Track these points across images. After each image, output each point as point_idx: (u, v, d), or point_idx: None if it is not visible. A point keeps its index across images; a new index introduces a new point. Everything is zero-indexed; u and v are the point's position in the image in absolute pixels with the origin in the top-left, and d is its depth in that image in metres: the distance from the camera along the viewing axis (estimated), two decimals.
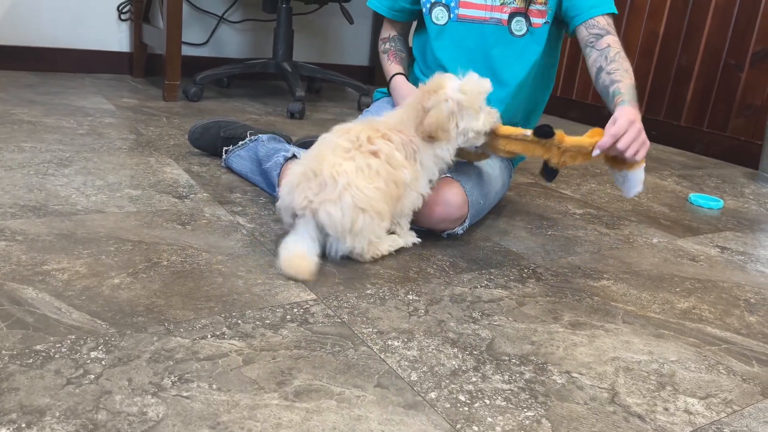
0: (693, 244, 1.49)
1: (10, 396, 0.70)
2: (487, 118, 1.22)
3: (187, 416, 0.71)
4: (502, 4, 1.38)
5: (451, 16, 1.42)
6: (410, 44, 1.58)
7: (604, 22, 1.36)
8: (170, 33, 2.40)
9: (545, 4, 1.38)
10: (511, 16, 1.39)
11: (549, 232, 1.46)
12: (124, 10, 2.85)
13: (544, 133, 1.18)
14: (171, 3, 2.37)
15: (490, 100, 1.43)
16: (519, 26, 1.39)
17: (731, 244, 1.52)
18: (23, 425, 0.66)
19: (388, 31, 1.56)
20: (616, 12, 1.38)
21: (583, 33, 1.37)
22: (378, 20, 3.51)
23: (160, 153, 1.73)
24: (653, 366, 0.93)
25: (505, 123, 1.27)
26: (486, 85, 1.22)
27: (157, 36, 2.58)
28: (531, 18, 1.38)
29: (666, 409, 0.83)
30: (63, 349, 0.80)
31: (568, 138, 1.18)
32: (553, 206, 1.68)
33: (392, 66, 1.50)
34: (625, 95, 1.24)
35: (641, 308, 1.12)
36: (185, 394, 0.75)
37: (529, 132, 1.20)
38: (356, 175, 1.10)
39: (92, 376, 0.76)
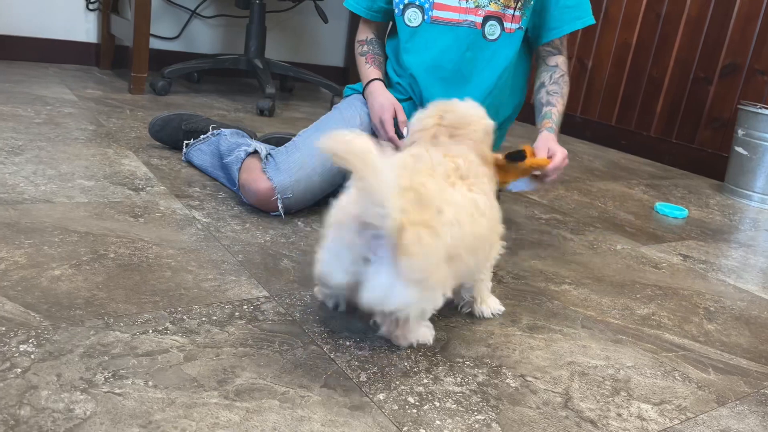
0: (656, 252, 1.49)
1: None
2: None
3: (117, 414, 0.67)
4: (476, 6, 1.37)
5: (425, 17, 1.40)
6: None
7: (558, 42, 1.45)
8: (138, 24, 2.35)
9: (521, 9, 1.36)
10: (485, 19, 1.37)
11: (513, 236, 1.45)
12: (92, 0, 2.78)
13: (517, 157, 1.18)
14: None
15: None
16: (492, 30, 1.38)
17: (694, 253, 1.52)
18: None
19: (365, 33, 1.53)
20: (589, 23, 1.43)
21: (540, 49, 1.47)
22: (353, 21, 3.48)
23: (119, 145, 1.68)
24: (609, 371, 0.92)
25: None
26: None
27: (126, 27, 2.52)
28: (504, 23, 1.37)
29: (619, 415, 0.81)
30: None
31: (531, 159, 1.22)
32: (519, 210, 1.67)
33: (370, 70, 1.47)
34: (553, 123, 1.37)
35: (601, 313, 1.11)
36: (118, 390, 0.71)
37: (500, 156, 1.14)
38: (463, 211, 0.85)
39: (19, 370, 0.71)
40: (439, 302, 0.83)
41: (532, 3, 1.37)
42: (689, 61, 2.63)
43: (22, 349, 0.75)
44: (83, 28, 2.81)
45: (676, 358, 0.99)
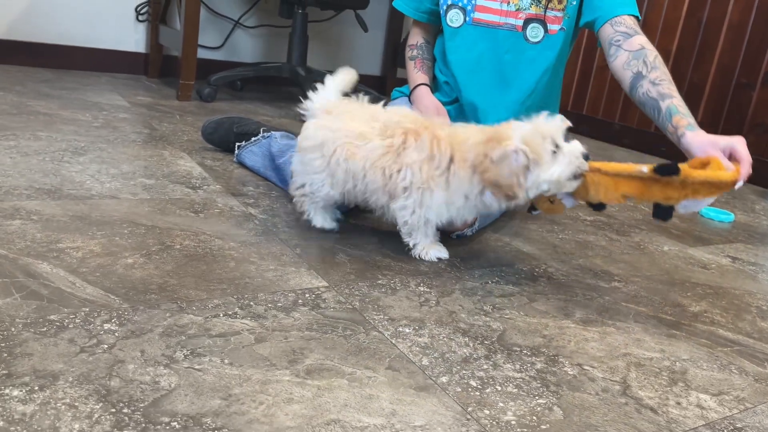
0: (704, 253, 1.49)
1: (23, 360, 0.71)
2: (564, 165, 1.04)
3: (200, 387, 0.71)
4: (517, 9, 1.39)
5: (467, 19, 1.42)
6: None
7: (632, 22, 1.29)
8: (187, 34, 2.43)
9: (563, 10, 1.38)
10: (527, 22, 1.39)
11: (560, 236, 1.46)
12: (142, 12, 2.88)
13: (669, 170, 1.01)
14: (189, 5, 2.40)
15: (497, 105, 1.44)
16: (535, 33, 1.39)
17: (742, 255, 1.52)
18: (36, 387, 0.66)
19: (416, 38, 1.56)
20: (639, 16, 1.34)
21: (608, 31, 1.30)
22: (391, 30, 3.54)
23: (173, 147, 1.74)
24: (665, 363, 0.93)
25: None
26: (555, 123, 1.06)
27: (174, 37, 2.61)
28: (548, 24, 1.39)
29: (678, 403, 0.82)
30: (77, 320, 0.80)
31: (696, 171, 1.03)
32: (563, 213, 1.68)
33: (418, 75, 1.50)
34: (687, 116, 1.17)
35: (653, 310, 1.11)
36: (197, 366, 0.74)
37: (645, 168, 1.03)
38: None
39: (105, 346, 0.76)
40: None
41: (576, 3, 1.38)
42: (731, 67, 2.61)
43: (106, 328, 0.80)
44: (133, 38, 2.91)
45: (732, 352, 0.99)
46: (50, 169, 1.39)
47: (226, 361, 0.77)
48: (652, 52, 1.25)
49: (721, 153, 1.08)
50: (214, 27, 3.07)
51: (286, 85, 3.33)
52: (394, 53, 3.54)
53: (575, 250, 1.38)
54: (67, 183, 1.31)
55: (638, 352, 0.95)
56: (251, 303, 0.92)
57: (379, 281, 1.06)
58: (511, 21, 1.39)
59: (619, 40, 1.29)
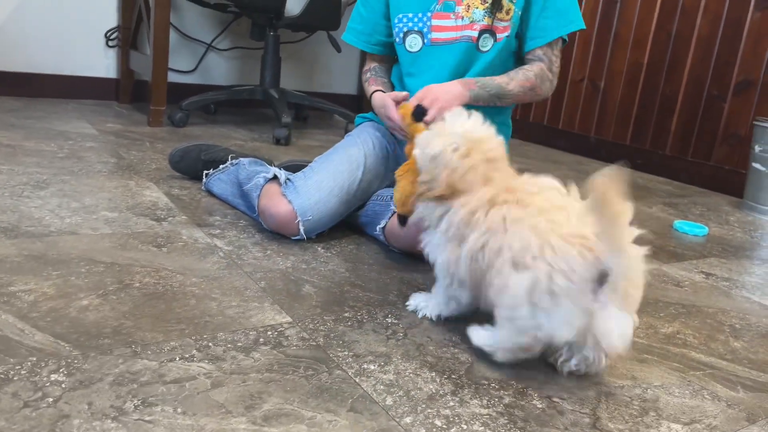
0: (678, 270, 1.48)
1: None
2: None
3: None
4: (471, 22, 1.39)
5: (425, 41, 1.42)
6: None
7: (540, 52, 1.41)
8: (157, 59, 2.40)
9: (510, 20, 1.38)
10: (480, 33, 1.39)
11: None
12: (111, 37, 2.85)
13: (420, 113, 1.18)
14: (157, 29, 2.38)
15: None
16: (485, 43, 1.40)
17: (716, 270, 1.51)
18: None
19: (369, 64, 1.56)
20: (581, 27, 1.41)
21: (525, 60, 1.44)
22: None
23: (140, 176, 1.71)
24: (636, 391, 0.91)
25: None
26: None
27: (144, 62, 2.58)
28: (497, 34, 1.39)
29: None
30: (22, 372, 0.77)
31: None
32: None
33: (372, 87, 1.48)
34: (475, 78, 1.37)
35: None
36: (148, 418, 0.71)
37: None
38: None
39: (51, 399, 0.72)
40: None
41: (519, 12, 1.38)
42: (702, 78, 2.63)
43: (53, 379, 0.76)
44: (103, 64, 2.88)
45: (704, 376, 0.98)
46: (8, 205, 1.35)
47: (179, 410, 0.73)
48: (526, 68, 1.40)
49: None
50: (186, 50, 3.05)
51: (259, 108, 3.31)
52: None
53: None
54: (24, 220, 1.27)
55: (609, 380, 0.93)
56: (210, 344, 0.89)
57: (346, 314, 1.04)
58: (467, 33, 1.39)
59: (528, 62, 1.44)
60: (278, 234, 1.35)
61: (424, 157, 1.00)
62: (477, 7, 1.37)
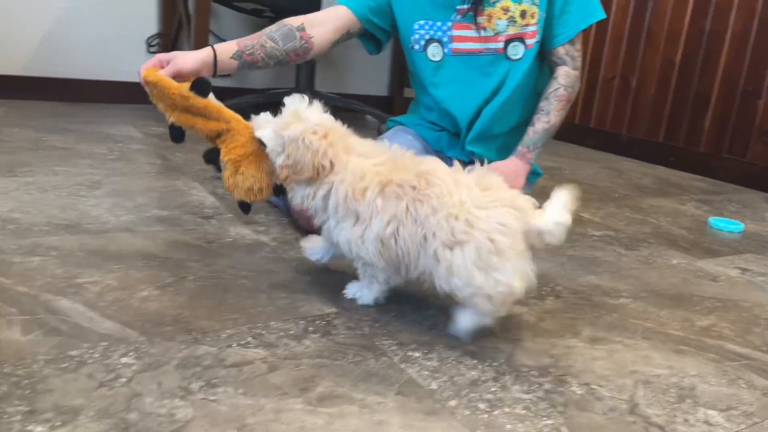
0: (713, 265, 1.49)
1: (45, 397, 0.73)
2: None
3: (215, 418, 0.73)
4: (495, 34, 1.41)
5: (446, 51, 1.45)
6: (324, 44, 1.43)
7: (562, 51, 1.44)
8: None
9: (536, 24, 1.40)
10: (507, 43, 1.42)
11: (568, 253, 1.47)
12: (152, 43, 2.95)
13: (205, 88, 1.09)
14: (198, 36, 2.46)
15: (482, 116, 1.46)
16: (515, 50, 1.42)
17: (752, 266, 1.52)
18: (58, 423, 0.69)
19: (300, 19, 1.35)
20: (602, 17, 1.43)
21: (548, 59, 1.47)
22: (398, 51, 3.58)
23: (186, 177, 1.78)
24: (673, 380, 0.94)
25: (492, 135, 1.44)
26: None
27: None
28: (526, 40, 1.41)
29: (686, 420, 0.83)
30: (96, 355, 0.83)
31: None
32: (572, 228, 1.68)
33: (230, 43, 1.29)
34: (522, 143, 1.42)
35: (661, 325, 1.12)
36: (212, 397, 0.77)
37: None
38: None
39: (123, 380, 0.78)
40: None
41: (543, 14, 1.40)
42: (736, 75, 2.62)
43: (123, 362, 0.82)
44: None
45: (740, 366, 1.00)
46: (67, 204, 1.43)
47: (240, 391, 0.79)
48: (556, 84, 1.44)
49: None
50: None
51: None
52: (401, 74, 3.58)
53: (583, 266, 1.39)
54: (84, 218, 1.35)
55: (646, 370, 0.96)
56: (263, 332, 0.95)
57: (389, 306, 1.09)
58: (492, 46, 1.42)
59: (552, 67, 1.47)
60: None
61: (280, 141, 1.01)
62: (499, 18, 1.40)
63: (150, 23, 2.94)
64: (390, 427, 0.75)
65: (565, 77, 1.44)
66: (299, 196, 1.05)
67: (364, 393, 0.82)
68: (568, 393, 0.87)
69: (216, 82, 3.36)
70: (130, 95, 2.97)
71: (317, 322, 1.00)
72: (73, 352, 0.83)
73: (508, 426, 0.78)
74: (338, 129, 1.04)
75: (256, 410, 0.75)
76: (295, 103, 1.05)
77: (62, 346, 0.84)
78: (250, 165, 1.08)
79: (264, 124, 1.07)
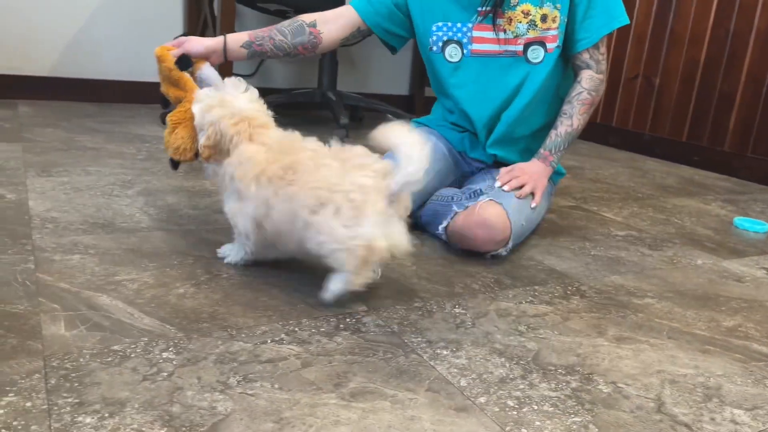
0: (738, 266, 1.49)
1: (93, 389, 0.77)
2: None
3: (253, 411, 0.76)
4: (515, 36, 1.42)
5: (464, 52, 1.46)
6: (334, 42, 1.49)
7: (587, 55, 1.45)
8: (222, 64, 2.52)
9: (557, 28, 1.41)
10: (526, 46, 1.43)
11: (592, 253, 1.48)
12: None
13: (185, 63, 1.24)
14: None
15: (502, 120, 1.49)
16: (535, 54, 1.43)
17: None
18: (106, 414, 0.72)
19: (312, 16, 1.42)
20: (625, 23, 1.44)
21: (572, 63, 1.49)
22: (418, 51, 3.60)
23: None
24: (699, 379, 0.95)
25: (514, 137, 1.47)
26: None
27: None
28: (546, 44, 1.42)
29: (713, 419, 0.84)
30: (138, 350, 0.86)
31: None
32: (595, 228, 1.70)
33: (242, 34, 1.39)
34: (545, 146, 1.45)
35: (686, 325, 1.13)
36: (250, 392, 0.80)
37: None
38: None
39: (165, 374, 0.82)
40: None
41: (565, 19, 1.41)
42: (762, 74, 2.59)
43: (164, 356, 0.86)
44: None
45: (766, 367, 1.00)
46: (102, 203, 1.47)
47: (276, 385, 0.82)
48: (580, 88, 1.45)
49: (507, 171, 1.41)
50: None
51: (317, 110, 3.41)
52: (422, 73, 3.60)
53: (607, 266, 1.40)
54: (118, 216, 1.39)
55: (672, 369, 0.97)
56: (296, 329, 0.97)
57: (416, 304, 1.11)
58: (511, 48, 1.43)
59: (576, 71, 1.48)
60: None
61: (202, 120, 1.15)
62: (520, 21, 1.41)
63: (175, 25, 2.99)
64: (422, 423, 0.77)
65: (589, 81, 1.45)
66: (209, 171, 1.20)
67: (395, 389, 0.84)
68: (595, 391, 0.88)
69: None
70: (155, 96, 3.02)
71: (347, 319, 1.02)
72: (116, 347, 0.87)
73: (537, 423, 0.80)
74: (256, 118, 1.16)
75: (292, 404, 0.78)
76: (229, 88, 1.18)
77: (106, 341, 0.88)
78: (185, 129, 1.21)
79: (200, 100, 1.18)
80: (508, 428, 0.78)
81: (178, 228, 1.36)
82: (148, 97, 3.02)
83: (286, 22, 1.43)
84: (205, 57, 1.31)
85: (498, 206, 1.33)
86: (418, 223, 1.53)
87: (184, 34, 3.04)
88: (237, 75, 3.12)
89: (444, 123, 1.60)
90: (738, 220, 1.88)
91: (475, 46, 1.44)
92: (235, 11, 2.52)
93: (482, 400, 0.83)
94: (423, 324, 1.04)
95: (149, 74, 2.99)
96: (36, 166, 1.73)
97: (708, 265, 1.48)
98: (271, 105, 2.64)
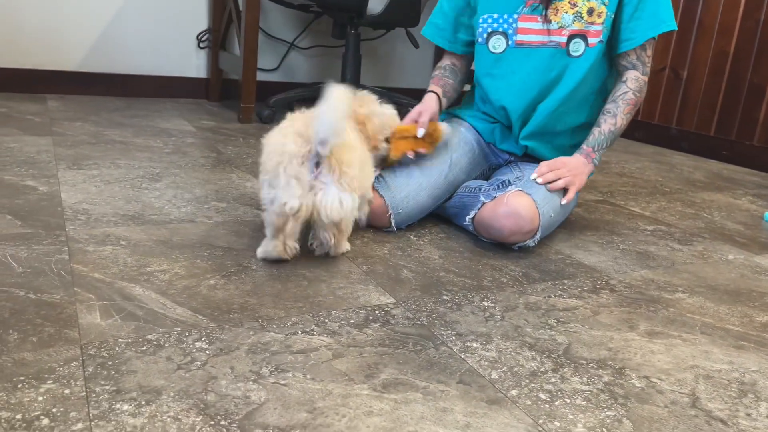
0: None
1: (129, 377, 0.78)
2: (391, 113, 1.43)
3: (287, 401, 0.76)
4: (560, 27, 1.41)
5: (509, 43, 1.45)
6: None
7: (633, 55, 1.44)
8: (246, 59, 2.54)
9: (602, 23, 1.40)
10: (570, 38, 1.41)
11: (620, 247, 1.47)
12: (203, 39, 3.03)
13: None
14: (248, 31, 2.51)
15: (538, 112, 1.46)
16: (576, 47, 1.41)
17: None
18: (143, 402, 0.73)
19: (444, 61, 1.62)
20: (673, 28, 1.42)
21: (616, 61, 1.48)
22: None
23: (240, 170, 1.83)
24: (734, 375, 0.93)
25: (550, 132, 1.48)
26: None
27: (234, 62, 2.73)
28: (588, 38, 1.41)
29: (748, 415, 0.83)
30: (171, 339, 0.87)
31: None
32: (622, 222, 1.68)
33: (431, 86, 1.57)
34: (587, 142, 1.44)
35: (719, 320, 1.12)
36: (283, 382, 0.80)
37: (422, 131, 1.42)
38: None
39: (199, 363, 0.82)
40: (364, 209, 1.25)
41: (611, 15, 1.39)
42: None
43: (197, 346, 0.87)
44: (194, 64, 3.05)
45: None
46: (131, 195, 1.49)
47: (308, 376, 0.82)
48: (625, 88, 1.45)
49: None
50: (269, 49, 3.19)
51: None
52: None
53: (636, 261, 1.39)
54: (148, 209, 1.41)
55: (706, 364, 0.96)
56: (326, 320, 0.98)
57: (444, 297, 1.11)
58: (555, 39, 1.42)
59: (620, 70, 1.48)
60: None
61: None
62: (566, 12, 1.40)
63: (200, 20, 3.01)
64: (454, 415, 0.77)
65: (635, 81, 1.44)
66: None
67: (426, 381, 0.84)
68: (628, 386, 0.88)
69: (263, 77, 3.41)
70: (180, 89, 3.06)
71: (376, 311, 1.03)
72: (150, 336, 0.88)
73: (570, 416, 0.79)
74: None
75: (325, 395, 0.79)
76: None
77: (140, 330, 0.89)
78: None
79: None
80: (540, 421, 0.78)
81: (206, 220, 1.38)
82: (174, 92, 3.05)
83: (442, 71, 1.60)
84: (436, 114, 1.49)
85: (527, 197, 1.32)
86: (445, 215, 1.52)
87: (208, 31, 3.06)
88: (258, 68, 3.09)
89: (476, 113, 1.60)
90: None
91: (520, 37, 1.44)
92: (259, 6, 2.53)
93: (514, 392, 0.83)
94: (452, 317, 1.03)
95: (175, 69, 3.02)
96: (66, 159, 1.75)
97: (739, 260, 1.45)
98: (293, 99, 2.69)
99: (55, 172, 1.63)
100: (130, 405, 0.73)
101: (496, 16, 1.46)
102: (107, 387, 0.76)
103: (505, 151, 1.58)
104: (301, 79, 3.30)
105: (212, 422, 0.71)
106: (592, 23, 1.40)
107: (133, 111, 2.62)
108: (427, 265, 1.25)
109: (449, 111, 1.67)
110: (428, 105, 1.49)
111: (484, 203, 1.36)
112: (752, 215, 1.89)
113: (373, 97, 1.42)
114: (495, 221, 1.32)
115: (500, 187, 1.41)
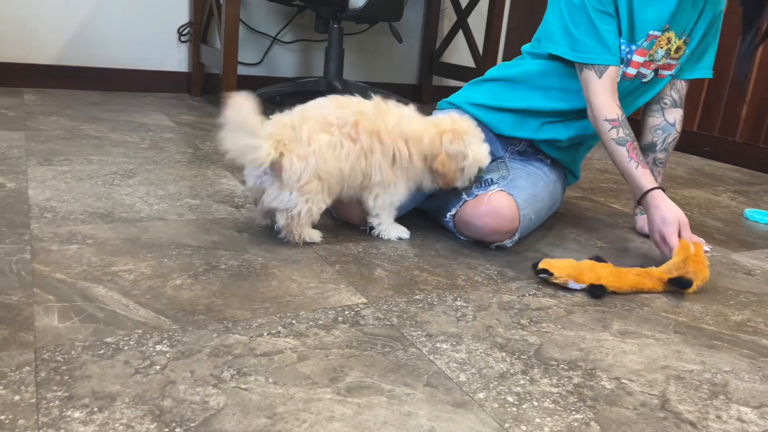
0: (748, 259, 1.46)
1: (83, 383, 0.76)
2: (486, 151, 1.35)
3: (246, 406, 0.74)
4: (651, 60, 1.40)
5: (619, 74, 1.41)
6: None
7: (684, 91, 1.50)
8: (227, 53, 2.50)
9: (678, 59, 1.43)
10: (654, 70, 1.44)
11: (599, 244, 1.46)
12: (184, 32, 2.98)
13: (684, 284, 1.19)
14: (228, 24, 2.48)
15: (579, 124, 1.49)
16: (649, 74, 1.44)
17: None
18: (95, 409, 0.71)
19: (612, 105, 1.34)
20: (709, 77, 1.49)
21: (666, 88, 1.49)
22: (426, 39, 3.55)
23: (216, 166, 1.81)
24: (706, 375, 0.92)
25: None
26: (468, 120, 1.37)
27: (215, 56, 2.69)
28: (660, 70, 1.44)
29: (718, 417, 0.82)
30: (131, 342, 0.85)
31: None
32: (603, 219, 1.67)
33: (643, 174, 1.32)
34: (660, 183, 1.40)
35: (693, 320, 1.11)
36: (243, 386, 0.78)
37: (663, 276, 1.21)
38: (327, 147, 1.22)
39: (158, 367, 0.80)
40: (321, 206, 1.23)
41: (688, 53, 1.44)
42: None
43: (158, 349, 0.84)
44: (176, 58, 3.01)
45: None
46: (102, 192, 1.46)
47: (270, 380, 0.80)
48: (675, 133, 1.52)
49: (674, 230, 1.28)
50: (252, 44, 3.15)
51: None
52: (430, 62, 3.56)
53: (614, 258, 1.37)
54: (118, 206, 1.38)
55: (678, 365, 0.95)
56: (293, 321, 0.96)
57: (416, 296, 1.09)
58: (643, 71, 1.42)
59: (666, 104, 1.51)
60: (347, 222, 1.41)
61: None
62: (661, 47, 1.39)
63: (181, 13, 2.96)
64: (418, 419, 0.75)
65: (680, 123, 1.52)
66: None
67: (392, 384, 0.82)
68: (598, 387, 0.86)
69: (245, 71, 3.37)
70: (161, 84, 3.01)
71: (346, 312, 1.01)
72: (109, 339, 0.85)
73: (537, 420, 0.78)
74: None
75: (287, 399, 0.77)
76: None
77: (99, 333, 0.87)
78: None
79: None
80: (506, 425, 0.76)
81: (178, 218, 1.35)
82: (153, 86, 3.00)
83: (632, 134, 1.37)
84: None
85: (509, 197, 1.30)
86: (426, 211, 1.50)
87: (189, 24, 3.02)
88: (240, 62, 3.06)
89: (476, 103, 1.54)
90: (749, 211, 1.84)
91: (628, 69, 1.40)
92: (240, 0, 2.49)
93: (481, 395, 0.82)
94: (423, 317, 1.02)
95: (155, 63, 2.97)
96: (38, 155, 1.72)
97: (717, 258, 1.45)
98: (276, 93, 2.64)
99: (25, 168, 1.59)
100: (82, 412, 0.70)
101: (623, 45, 1.38)
102: (59, 393, 0.73)
103: (518, 138, 1.53)
104: (284, 74, 3.26)
105: (167, 429, 0.69)
106: (673, 59, 1.43)
107: (111, 105, 2.57)
108: (402, 263, 1.23)
109: (448, 101, 1.60)
110: (678, 215, 1.29)
111: (465, 201, 1.34)
112: (732, 212, 1.89)
113: (477, 131, 1.34)
114: (476, 219, 1.31)
115: (483, 185, 1.39)
